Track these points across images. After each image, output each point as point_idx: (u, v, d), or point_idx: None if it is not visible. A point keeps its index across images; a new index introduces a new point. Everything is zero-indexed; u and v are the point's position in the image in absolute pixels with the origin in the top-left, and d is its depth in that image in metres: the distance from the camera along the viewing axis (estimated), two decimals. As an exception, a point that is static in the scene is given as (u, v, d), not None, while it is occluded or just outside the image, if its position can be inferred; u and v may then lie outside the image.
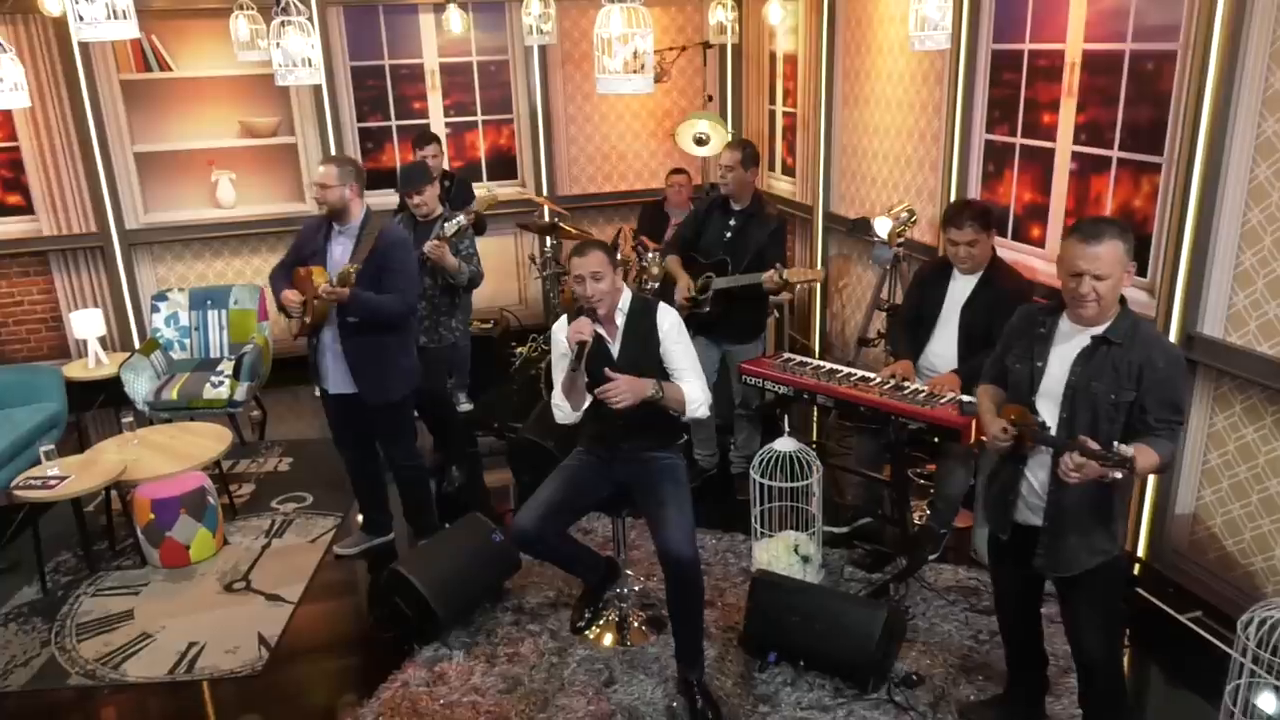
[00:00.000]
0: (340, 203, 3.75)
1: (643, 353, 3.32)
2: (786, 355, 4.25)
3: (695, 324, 4.32)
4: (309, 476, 5.12)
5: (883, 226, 4.87)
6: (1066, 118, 4.11)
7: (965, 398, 3.64)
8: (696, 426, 4.67)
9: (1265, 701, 2.69)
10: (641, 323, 3.36)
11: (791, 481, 3.92)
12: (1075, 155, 4.10)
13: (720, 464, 5.00)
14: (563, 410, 3.34)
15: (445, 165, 6.05)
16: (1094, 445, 2.38)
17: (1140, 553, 3.88)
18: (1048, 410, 2.61)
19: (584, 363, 3.14)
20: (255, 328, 5.76)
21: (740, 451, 4.91)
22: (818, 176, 6.18)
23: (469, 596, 3.74)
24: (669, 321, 3.38)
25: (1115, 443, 2.37)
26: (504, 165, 7.18)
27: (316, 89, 6.46)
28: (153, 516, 4.17)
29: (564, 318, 3.43)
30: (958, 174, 4.78)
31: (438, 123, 6.95)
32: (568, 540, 3.44)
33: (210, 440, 4.54)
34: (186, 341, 5.82)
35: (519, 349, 6.83)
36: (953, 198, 4.82)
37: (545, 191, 7.07)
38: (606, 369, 3.18)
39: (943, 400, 3.66)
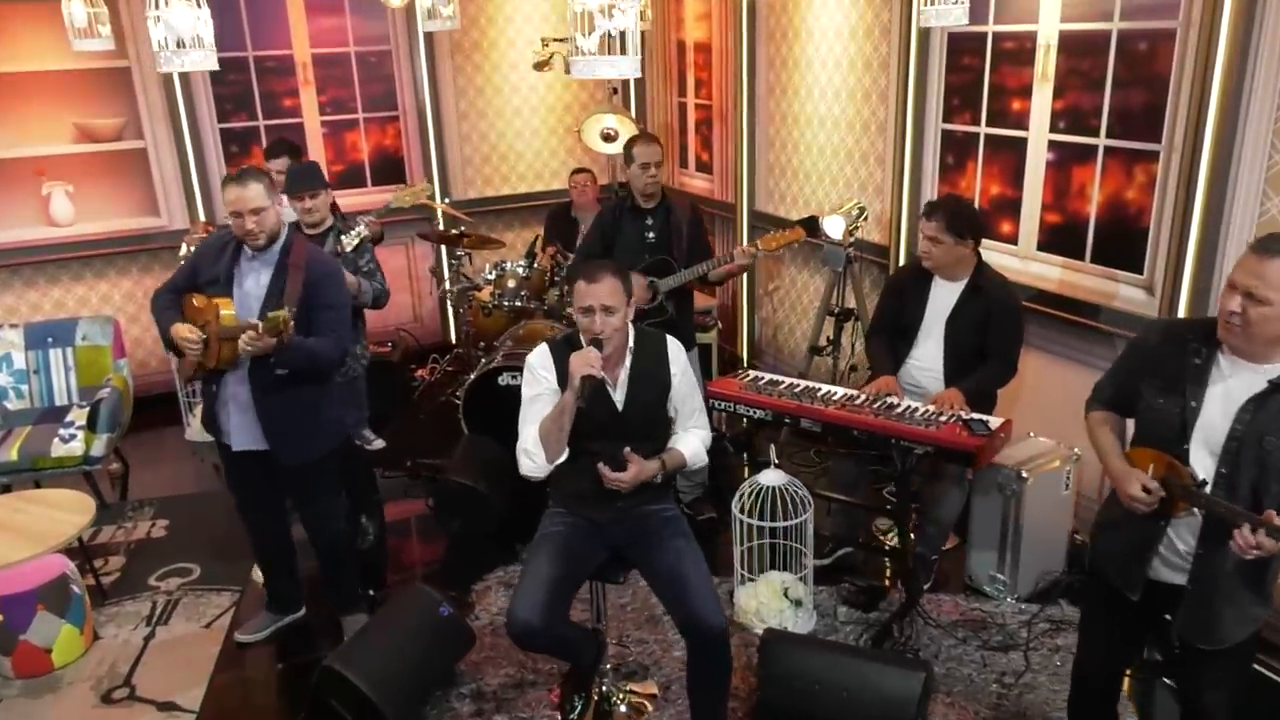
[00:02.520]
0: (278, 227, 3.06)
1: (652, 401, 2.83)
2: (754, 374, 3.81)
3: None
4: (192, 542, 4.33)
5: (835, 226, 4.49)
6: (1041, 104, 3.82)
7: (974, 415, 3.29)
8: None
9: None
10: (649, 363, 2.83)
11: (772, 519, 3.48)
12: (1053, 144, 3.82)
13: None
14: (534, 462, 2.75)
15: None
16: None
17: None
18: (1201, 462, 2.15)
19: (584, 403, 2.60)
20: (111, 367, 4.87)
21: (690, 480, 4.45)
22: (740, 172, 5.78)
23: (420, 688, 3.12)
24: (681, 358, 2.88)
25: None
26: (390, 168, 6.44)
27: (168, 84, 5.60)
28: (1, 618, 3.34)
29: (543, 346, 2.86)
30: (910, 166, 4.45)
31: (313, 122, 6.16)
32: (569, 624, 2.87)
33: (68, 512, 3.68)
34: (24, 388, 4.86)
35: (419, 372, 6.16)
36: (905, 192, 4.51)
37: (438, 195, 6.39)
38: (603, 455, 2.70)
39: (944, 419, 3.30)
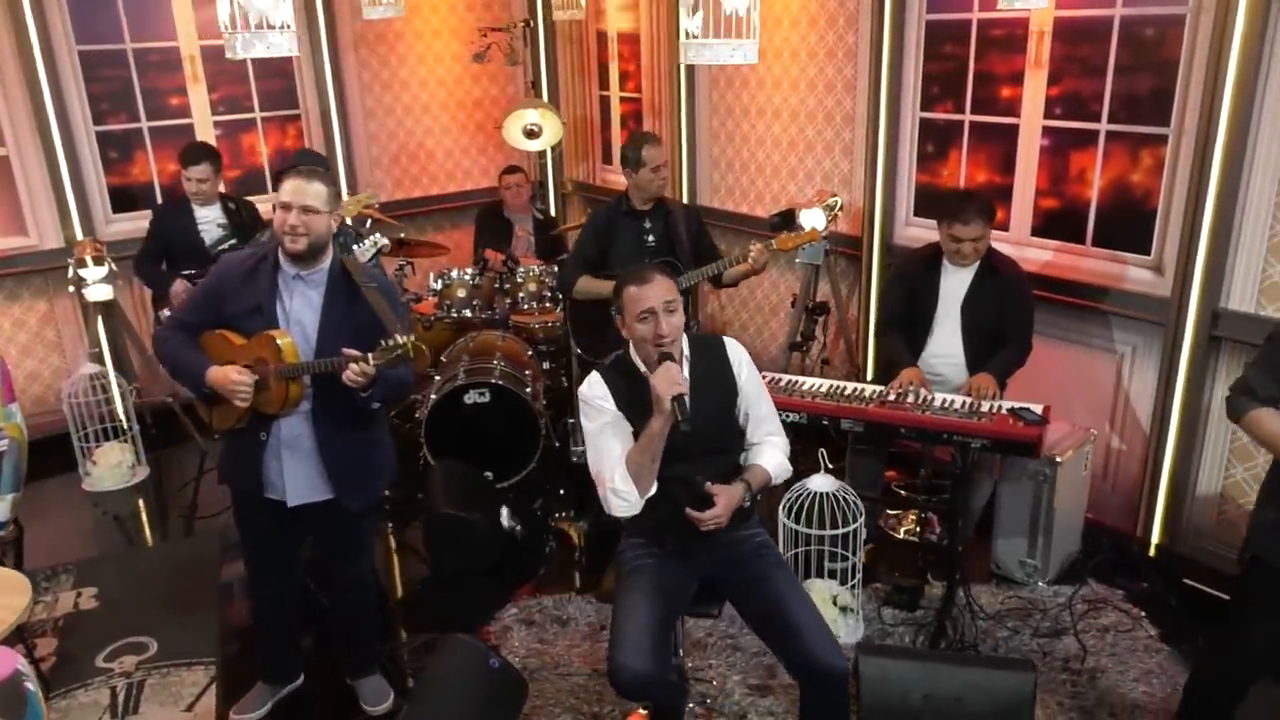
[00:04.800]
0: (324, 240, 2.61)
1: (722, 410, 2.60)
2: (772, 375, 3.67)
3: None
4: (134, 611, 3.73)
5: (815, 220, 4.38)
6: (1034, 91, 3.85)
7: (1016, 404, 3.28)
8: None
9: None
10: (711, 369, 2.61)
11: (810, 524, 3.35)
12: (1048, 130, 3.85)
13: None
14: (627, 501, 2.50)
15: (221, 188, 4.62)
16: None
17: (1155, 537, 3.76)
18: None
19: (687, 425, 2.38)
20: (1, 415, 4.13)
21: None
22: (679, 166, 5.60)
23: (487, 756, 2.78)
24: (744, 357, 2.66)
25: None
26: (292, 172, 5.85)
27: (32, 82, 4.85)
28: (-57, 734, 2.73)
29: (594, 375, 2.59)
30: (885, 156, 4.41)
31: (204, 122, 5.49)
32: (672, 667, 2.61)
33: (3, 595, 3.09)
34: (-110, 446, 4.06)
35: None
36: (879, 182, 4.47)
37: (344, 198, 5.85)
38: (707, 486, 2.49)
39: (986, 409, 3.27)
